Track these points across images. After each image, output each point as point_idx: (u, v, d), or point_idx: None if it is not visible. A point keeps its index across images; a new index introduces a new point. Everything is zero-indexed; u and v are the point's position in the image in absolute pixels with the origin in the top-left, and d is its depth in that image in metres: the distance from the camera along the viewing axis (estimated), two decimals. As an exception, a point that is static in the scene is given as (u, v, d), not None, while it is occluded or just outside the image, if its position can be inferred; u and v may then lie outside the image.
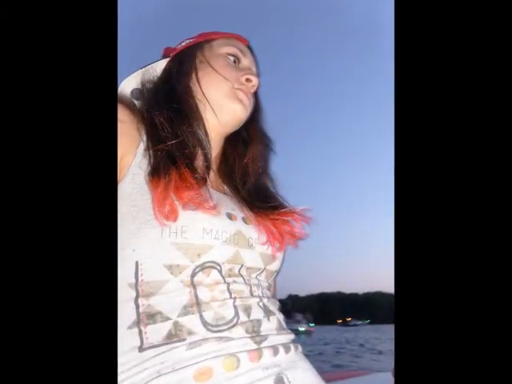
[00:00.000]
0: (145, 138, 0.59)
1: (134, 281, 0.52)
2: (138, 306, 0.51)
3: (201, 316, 0.51)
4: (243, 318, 0.53)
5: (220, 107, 0.64)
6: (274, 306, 0.60)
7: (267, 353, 0.52)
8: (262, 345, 0.53)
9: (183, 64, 0.67)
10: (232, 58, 0.68)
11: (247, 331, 0.53)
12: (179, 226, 0.52)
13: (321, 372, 0.59)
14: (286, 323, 0.62)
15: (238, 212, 0.61)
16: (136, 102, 0.67)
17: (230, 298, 0.54)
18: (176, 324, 0.50)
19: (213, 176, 0.66)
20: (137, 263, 0.52)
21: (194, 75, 0.66)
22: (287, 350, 0.56)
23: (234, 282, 0.56)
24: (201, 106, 0.65)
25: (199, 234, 0.53)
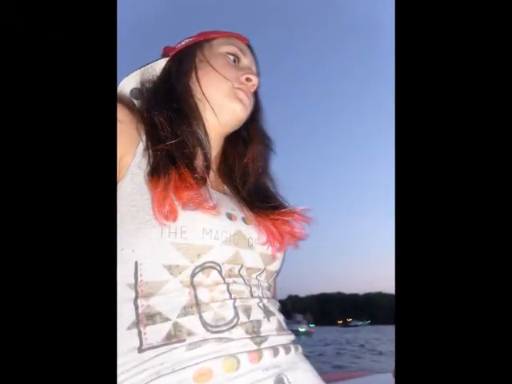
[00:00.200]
0: (144, 137, 0.59)
1: (133, 281, 0.51)
2: (137, 307, 0.51)
3: (200, 317, 0.51)
4: (243, 318, 0.53)
5: (220, 107, 0.64)
6: (274, 307, 0.60)
7: (267, 354, 0.52)
8: (262, 346, 0.53)
9: (183, 63, 0.67)
10: (232, 58, 0.67)
11: (247, 332, 0.52)
12: (179, 226, 0.52)
13: (321, 373, 0.58)
14: (286, 324, 0.61)
15: (238, 212, 0.61)
16: (135, 101, 0.67)
17: (230, 298, 0.54)
18: (175, 325, 0.50)
19: (212, 176, 0.66)
20: (136, 263, 0.52)
21: (193, 74, 0.65)
22: (287, 350, 0.56)
23: (234, 282, 0.55)
24: (200, 106, 0.64)
25: (199, 234, 0.53)
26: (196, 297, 0.52)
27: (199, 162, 0.62)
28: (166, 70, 0.68)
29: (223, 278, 0.55)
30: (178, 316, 0.50)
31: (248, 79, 0.66)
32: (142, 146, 0.58)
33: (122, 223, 0.52)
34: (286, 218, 0.66)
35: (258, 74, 0.69)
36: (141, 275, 0.51)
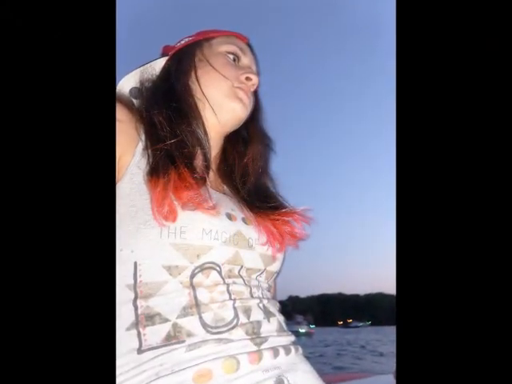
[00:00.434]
0: (143, 137, 0.58)
1: (132, 282, 0.51)
2: (136, 308, 0.50)
3: (200, 317, 0.51)
4: (243, 319, 0.53)
5: (219, 106, 0.64)
6: (274, 308, 0.59)
7: (267, 355, 0.52)
8: (262, 347, 0.52)
9: (182, 62, 0.66)
10: (232, 57, 0.67)
11: (247, 333, 0.52)
12: (178, 227, 0.52)
13: (321, 374, 0.58)
14: (287, 325, 0.61)
15: (238, 212, 0.60)
16: (135, 100, 0.67)
17: (230, 299, 0.53)
18: (175, 325, 0.50)
19: (212, 176, 0.66)
20: (135, 264, 0.51)
21: (193, 74, 0.65)
22: (287, 351, 0.55)
23: (234, 283, 0.55)
24: (200, 105, 0.64)
25: (198, 234, 0.53)
26: (196, 297, 0.51)
27: (199, 161, 0.62)
28: (166, 70, 0.68)
29: (223, 279, 0.54)
30: (178, 317, 0.50)
31: (248, 78, 0.66)
32: (141, 145, 0.57)
33: (121, 223, 0.52)
34: (286, 219, 0.65)
35: (257, 74, 0.68)
36: (140, 276, 0.51)
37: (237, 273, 0.56)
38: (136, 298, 0.51)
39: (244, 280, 0.57)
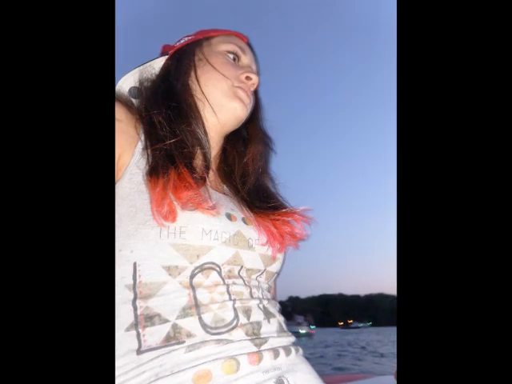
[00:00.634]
0: (143, 137, 0.58)
1: (131, 282, 0.51)
2: (135, 308, 0.50)
3: (200, 318, 0.50)
4: (243, 320, 0.53)
5: (219, 106, 0.64)
6: (274, 308, 0.59)
7: (267, 355, 0.52)
8: (262, 347, 0.52)
9: (182, 62, 0.66)
10: (231, 56, 0.67)
11: (247, 333, 0.52)
12: (178, 227, 0.51)
13: (322, 375, 0.58)
14: (287, 325, 0.61)
15: (238, 212, 0.60)
16: (134, 100, 0.67)
17: (230, 299, 0.53)
18: (175, 326, 0.49)
19: (212, 176, 0.65)
20: (135, 264, 0.51)
21: (192, 73, 0.65)
22: (288, 352, 0.55)
23: (234, 283, 0.55)
24: (200, 105, 0.64)
25: (198, 234, 0.52)
26: (195, 298, 0.51)
27: (198, 161, 0.62)
28: (165, 69, 0.67)
29: (223, 279, 0.54)
30: (178, 317, 0.50)
31: (248, 78, 0.66)
32: (140, 145, 0.57)
33: (121, 224, 0.52)
34: (286, 219, 0.65)
35: (258, 73, 0.68)
36: (139, 276, 0.51)
37: (237, 273, 0.56)
38: (135, 298, 0.50)
39: (244, 280, 0.57)
